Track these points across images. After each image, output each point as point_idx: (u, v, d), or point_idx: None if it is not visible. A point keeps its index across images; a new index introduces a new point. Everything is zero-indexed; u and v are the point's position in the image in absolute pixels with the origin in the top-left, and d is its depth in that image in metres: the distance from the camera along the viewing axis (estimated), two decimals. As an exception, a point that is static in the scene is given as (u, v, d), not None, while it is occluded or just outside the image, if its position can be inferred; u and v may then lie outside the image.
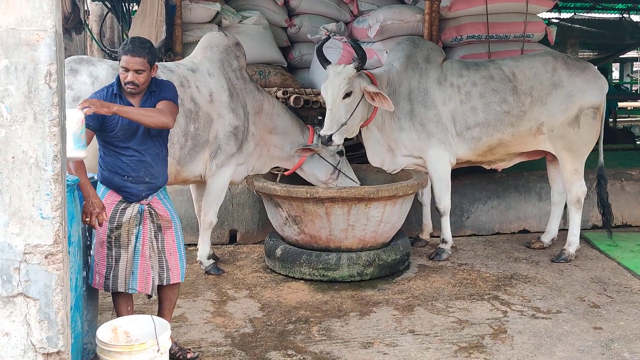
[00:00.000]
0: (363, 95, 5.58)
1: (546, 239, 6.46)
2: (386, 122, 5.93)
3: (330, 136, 5.44)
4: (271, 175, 6.07)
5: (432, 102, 5.88)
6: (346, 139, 6.12)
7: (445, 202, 6.02)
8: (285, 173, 6.04)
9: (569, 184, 6.00)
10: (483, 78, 5.94)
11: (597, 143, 6.13)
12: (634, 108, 18.27)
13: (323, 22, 7.93)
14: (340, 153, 5.98)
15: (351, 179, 6.00)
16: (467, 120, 5.89)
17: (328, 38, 6.24)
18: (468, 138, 5.93)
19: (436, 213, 6.20)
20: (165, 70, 5.15)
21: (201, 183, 5.60)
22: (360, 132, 6.01)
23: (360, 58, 5.54)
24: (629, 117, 17.71)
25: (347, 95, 5.50)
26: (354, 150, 7.21)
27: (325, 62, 5.76)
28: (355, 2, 8.03)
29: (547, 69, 5.94)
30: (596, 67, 6.43)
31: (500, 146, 5.99)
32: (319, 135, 5.59)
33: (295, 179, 6.06)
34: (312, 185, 5.89)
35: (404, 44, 6.18)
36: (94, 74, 4.63)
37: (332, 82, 5.51)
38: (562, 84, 5.90)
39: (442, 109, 5.88)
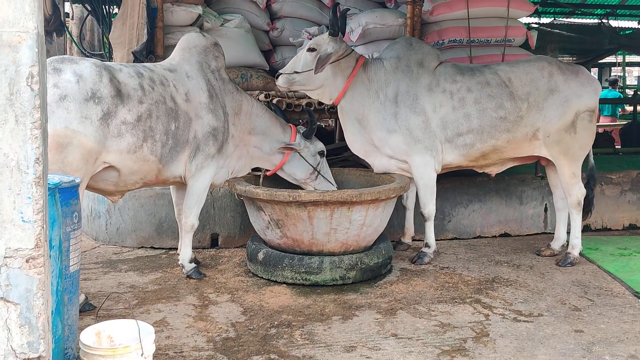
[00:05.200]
0: (336, 61, 5.81)
1: (556, 245, 6.37)
2: (371, 118, 5.91)
3: (279, 75, 5.85)
4: (253, 177, 6.05)
5: (422, 108, 5.82)
6: (327, 141, 6.17)
7: (430, 208, 6.01)
8: (267, 173, 6.04)
9: (569, 187, 5.99)
10: (479, 84, 5.88)
11: None
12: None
13: (305, 25, 7.94)
14: (321, 154, 6.00)
15: (329, 182, 6.02)
16: (459, 127, 5.83)
17: (347, 10, 6.33)
18: (460, 145, 5.87)
19: (419, 217, 6.20)
20: (145, 69, 5.13)
21: (181, 186, 5.58)
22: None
23: (331, 24, 5.81)
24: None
25: (311, 50, 5.79)
26: (336, 154, 7.23)
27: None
28: (338, 6, 8.04)
29: (543, 74, 5.91)
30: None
31: (494, 152, 5.95)
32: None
33: (276, 180, 6.06)
34: (293, 185, 5.91)
35: (399, 45, 6.12)
36: (78, 72, 4.60)
37: (311, 40, 6.03)
38: (559, 88, 5.88)
39: (431, 116, 5.82)
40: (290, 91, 6.53)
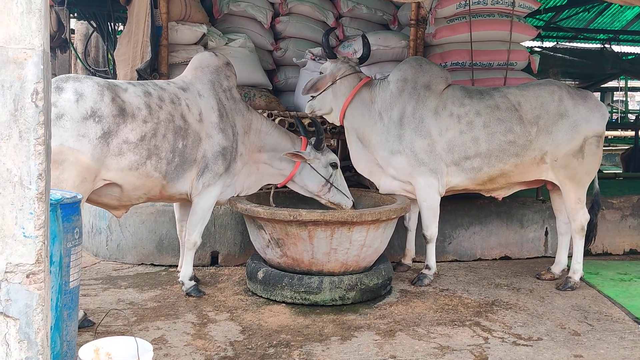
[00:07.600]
0: (333, 83, 5.94)
1: (557, 269, 6.36)
2: (372, 138, 5.92)
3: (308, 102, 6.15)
4: (256, 197, 6.03)
5: (427, 131, 5.80)
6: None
7: (432, 230, 5.99)
8: (279, 185, 6.01)
9: (573, 212, 5.97)
10: (488, 107, 5.87)
11: None
12: (614, 137, 18.47)
13: (309, 46, 7.98)
14: (334, 166, 5.93)
15: (344, 194, 5.93)
16: (466, 151, 5.81)
17: (334, 29, 6.49)
18: (467, 168, 5.86)
19: (419, 238, 6.20)
20: (155, 88, 5.16)
21: (186, 203, 5.59)
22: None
23: (323, 48, 6.11)
24: (609, 146, 17.90)
25: (320, 74, 6.03)
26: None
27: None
28: (341, 27, 8.10)
29: (553, 99, 5.91)
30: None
31: (502, 176, 5.94)
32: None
33: (287, 198, 6.06)
34: (301, 203, 5.91)
35: (407, 65, 6.09)
36: (79, 90, 4.62)
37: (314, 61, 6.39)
38: (568, 113, 5.88)
39: (437, 139, 5.80)
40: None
